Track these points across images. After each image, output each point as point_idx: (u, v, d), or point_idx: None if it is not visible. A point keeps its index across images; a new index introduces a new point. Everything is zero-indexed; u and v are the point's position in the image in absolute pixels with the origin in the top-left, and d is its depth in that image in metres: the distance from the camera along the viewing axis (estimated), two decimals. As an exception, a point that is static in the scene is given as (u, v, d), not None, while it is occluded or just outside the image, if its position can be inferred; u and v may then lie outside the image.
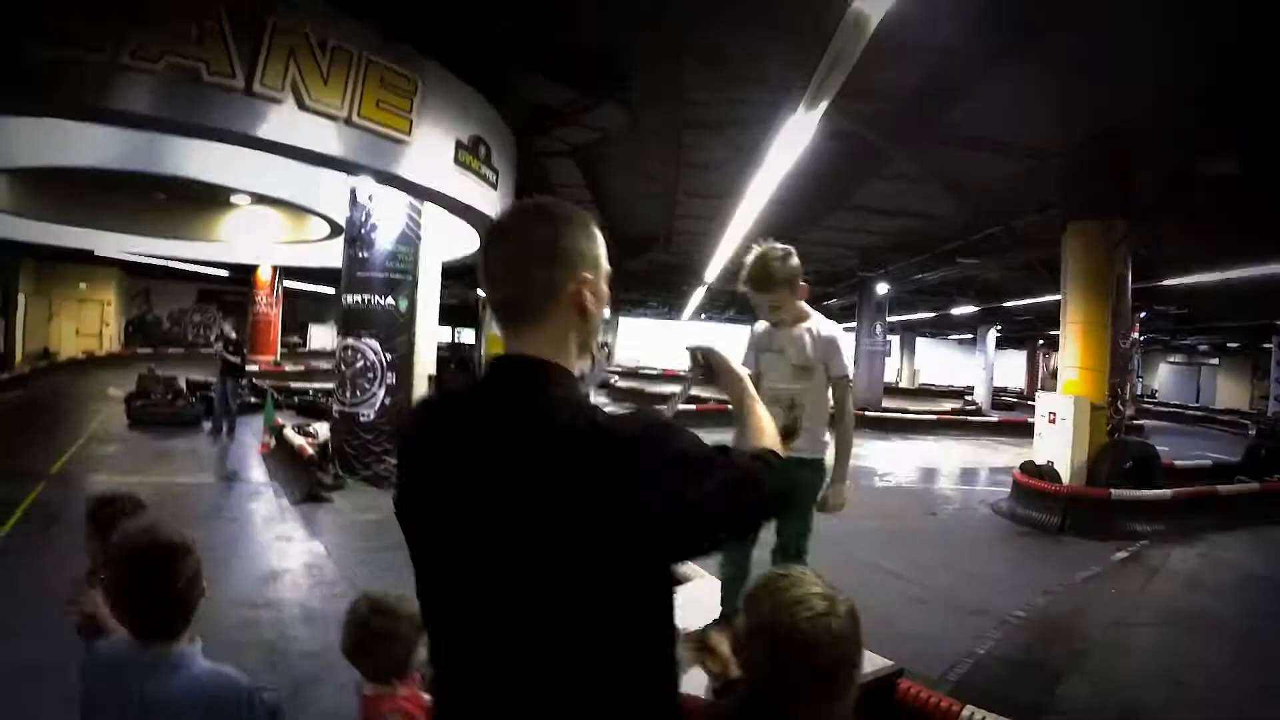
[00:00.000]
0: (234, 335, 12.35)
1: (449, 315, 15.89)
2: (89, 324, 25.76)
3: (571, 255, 1.21)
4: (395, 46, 6.38)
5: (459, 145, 7.15)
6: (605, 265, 1.30)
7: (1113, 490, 8.59)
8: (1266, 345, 26.37)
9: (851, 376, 3.11)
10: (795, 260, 2.99)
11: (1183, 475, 10.89)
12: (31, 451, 9.19)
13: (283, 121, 5.62)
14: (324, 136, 5.91)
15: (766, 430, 1.39)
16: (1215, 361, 35.60)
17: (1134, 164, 8.54)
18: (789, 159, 6.59)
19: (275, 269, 21.35)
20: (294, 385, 16.42)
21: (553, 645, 1.08)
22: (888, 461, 13.67)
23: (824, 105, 5.30)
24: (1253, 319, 21.34)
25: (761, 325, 3.26)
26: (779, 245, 3.01)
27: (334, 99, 5.87)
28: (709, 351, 1.77)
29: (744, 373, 1.63)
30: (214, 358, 12.10)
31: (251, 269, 21.38)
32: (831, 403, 3.17)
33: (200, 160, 7.86)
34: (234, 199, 10.22)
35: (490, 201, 8.03)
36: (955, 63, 6.76)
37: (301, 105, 5.68)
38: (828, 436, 3.15)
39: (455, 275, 17.83)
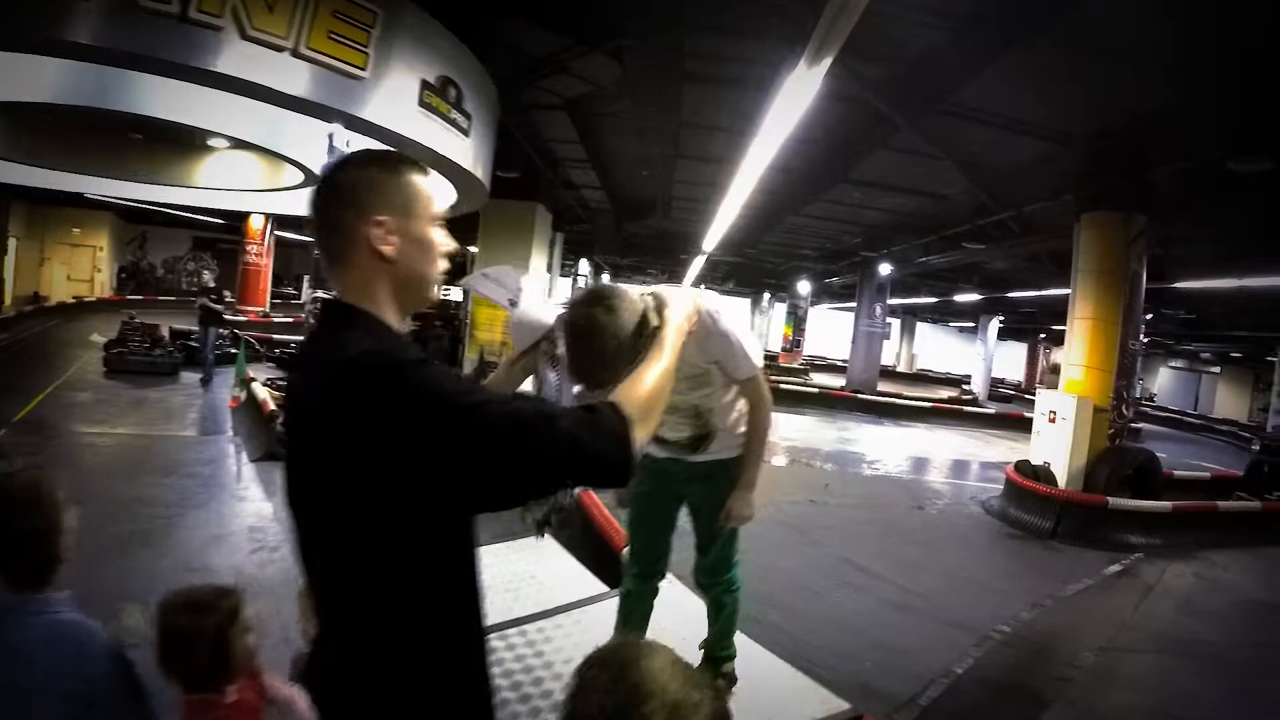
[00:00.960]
0: (212, 284, 12.15)
1: (438, 273, 15.43)
2: (80, 269, 25.42)
3: (365, 196, 1.18)
4: (353, -26, 5.85)
5: (425, 86, 6.55)
6: (428, 210, 1.25)
7: (1110, 499, 8.22)
8: (1271, 358, 25.87)
9: (759, 368, 2.46)
10: (625, 317, 1.76)
11: (1181, 486, 10.42)
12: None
13: (221, 52, 5.06)
14: (267, 69, 5.33)
15: (637, 388, 1.29)
16: (1217, 370, 35.09)
17: (1158, 155, 8.03)
18: (790, 119, 6.14)
19: (267, 218, 20.80)
20: (277, 337, 16.04)
21: (344, 570, 1.13)
22: (879, 448, 13.36)
23: (827, 61, 4.86)
24: (1261, 330, 20.80)
25: None
26: (592, 303, 1.78)
27: (279, 29, 5.27)
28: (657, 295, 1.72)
29: (678, 326, 1.57)
30: (196, 306, 11.83)
31: (243, 217, 20.87)
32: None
33: (164, 97, 7.36)
34: (211, 142, 9.70)
35: (462, 150, 7.44)
36: (971, 32, 6.27)
37: (243, 34, 5.10)
38: (742, 428, 2.62)
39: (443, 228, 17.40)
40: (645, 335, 1.73)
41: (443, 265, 1.28)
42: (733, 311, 2.36)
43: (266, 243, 21.44)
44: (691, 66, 7.75)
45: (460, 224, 13.40)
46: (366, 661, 1.12)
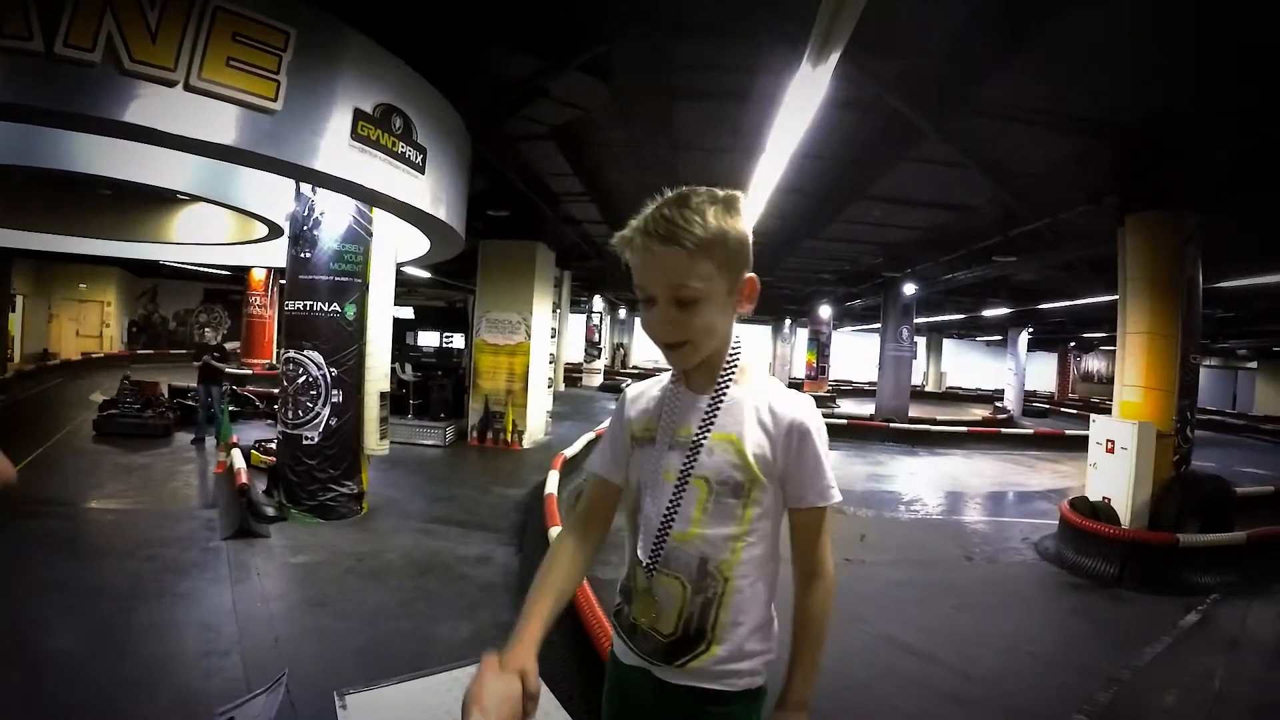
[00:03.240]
0: (213, 340, 11.69)
1: (438, 319, 14.92)
2: (89, 325, 25.57)
3: None
4: (258, -11, 5.03)
5: (359, 115, 5.72)
6: None
7: (1181, 536, 7.28)
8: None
9: (839, 500, 1.50)
10: (742, 219, 1.42)
11: (1242, 506, 9.02)
12: (-30, 471, 8.26)
13: (98, 92, 4.34)
14: (153, 109, 4.52)
15: None
16: (1254, 365, 33.75)
17: (1214, 141, 7.17)
18: (798, 130, 5.42)
19: (269, 270, 20.46)
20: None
21: None
22: (916, 484, 12.42)
23: (833, 59, 4.15)
24: None
25: (646, 388, 1.67)
26: (720, 190, 1.45)
27: (164, 60, 4.49)
28: None
29: None
30: (199, 365, 11.29)
31: (247, 269, 20.56)
32: (792, 558, 1.54)
33: (89, 150, 6.77)
34: (179, 195, 9.21)
35: (417, 189, 6.64)
36: (994, 12, 5.56)
37: (121, 69, 4.36)
38: (775, 629, 1.56)
39: (446, 274, 16.91)
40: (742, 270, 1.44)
41: None
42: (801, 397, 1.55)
43: (270, 295, 21.08)
44: (681, 80, 7.04)
45: (459, 265, 12.91)
46: None
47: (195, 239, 11.49)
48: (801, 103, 4.92)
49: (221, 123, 4.91)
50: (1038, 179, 8.96)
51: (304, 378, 7.12)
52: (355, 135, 5.76)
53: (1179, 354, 7.77)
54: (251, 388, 15.50)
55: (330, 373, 7.11)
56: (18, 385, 16.39)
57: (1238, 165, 7.64)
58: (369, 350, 7.42)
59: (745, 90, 6.57)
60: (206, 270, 22.78)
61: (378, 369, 7.51)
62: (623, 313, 36.34)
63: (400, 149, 6.26)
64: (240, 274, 21.74)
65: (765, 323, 36.05)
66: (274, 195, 7.86)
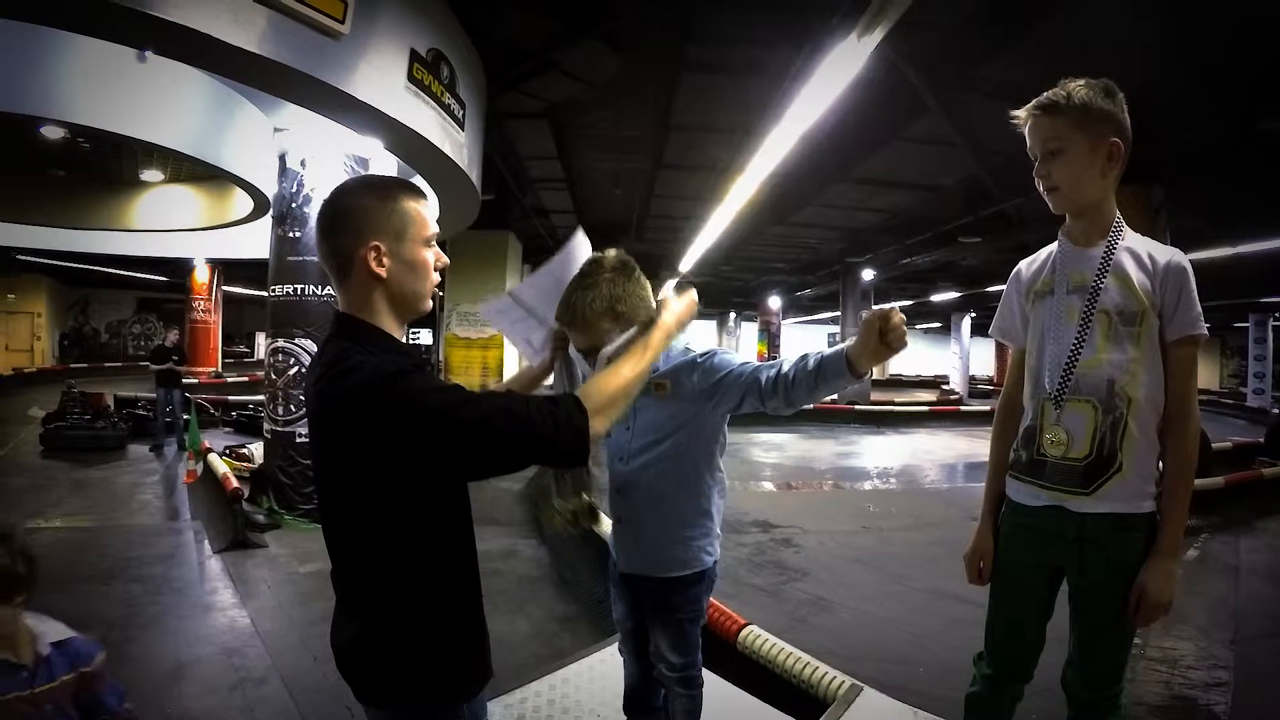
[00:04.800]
0: (170, 344, 11.20)
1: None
2: (19, 338, 24.32)
3: (359, 225, 1.34)
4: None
5: (415, 58, 5.25)
6: (421, 233, 1.38)
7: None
8: (1238, 324, 25.87)
9: (1205, 333, 1.71)
10: (1113, 101, 1.77)
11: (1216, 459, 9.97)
12: (-88, 490, 7.58)
13: None
14: (209, 13, 3.90)
15: (606, 382, 1.38)
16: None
17: (1184, 117, 7.40)
18: (820, 105, 5.33)
19: (213, 271, 19.54)
20: (233, 399, 14.75)
21: (362, 540, 1.35)
22: (897, 460, 12.73)
23: (882, 31, 4.09)
24: (1230, 298, 20.60)
25: (1034, 259, 1.97)
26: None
27: None
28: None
29: (667, 329, 1.58)
30: (161, 369, 10.82)
31: (187, 273, 19.64)
32: (1164, 406, 1.73)
33: (83, 96, 6.17)
34: (144, 176, 8.57)
35: (456, 146, 6.18)
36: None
37: None
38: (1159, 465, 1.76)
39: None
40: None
41: (435, 279, 1.42)
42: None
43: (214, 298, 20.19)
44: (695, 54, 6.82)
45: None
46: (381, 616, 1.35)
47: (159, 225, 10.72)
48: (834, 76, 4.82)
49: (291, 43, 4.39)
50: (1009, 157, 9.10)
51: (295, 368, 6.75)
52: (411, 78, 5.35)
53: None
54: (203, 396, 14.81)
55: (324, 362, 6.76)
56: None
57: (1203, 147, 7.90)
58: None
59: (762, 65, 6.36)
60: (140, 278, 21.78)
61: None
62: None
63: (446, 100, 5.87)
64: (177, 282, 20.80)
65: (710, 317, 36.16)
66: (262, 167, 7.30)
